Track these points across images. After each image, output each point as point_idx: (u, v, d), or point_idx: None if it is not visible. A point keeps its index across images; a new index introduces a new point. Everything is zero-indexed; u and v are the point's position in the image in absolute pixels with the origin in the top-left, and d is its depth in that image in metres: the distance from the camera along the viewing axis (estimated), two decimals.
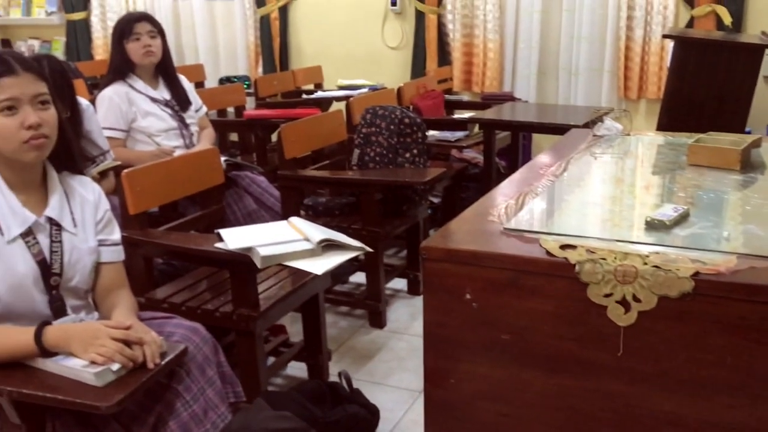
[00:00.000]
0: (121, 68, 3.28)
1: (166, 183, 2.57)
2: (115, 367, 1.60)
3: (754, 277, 1.24)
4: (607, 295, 1.31)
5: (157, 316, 1.94)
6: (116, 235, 1.95)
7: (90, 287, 1.88)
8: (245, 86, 5.11)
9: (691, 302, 1.26)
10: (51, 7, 6.32)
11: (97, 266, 1.89)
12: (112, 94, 3.23)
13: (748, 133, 3.32)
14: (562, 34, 4.96)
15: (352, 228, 3.09)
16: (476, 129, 4.29)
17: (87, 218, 1.87)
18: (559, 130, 3.26)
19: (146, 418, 1.72)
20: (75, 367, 1.61)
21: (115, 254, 1.93)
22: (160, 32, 3.32)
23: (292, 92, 5.14)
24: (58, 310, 1.78)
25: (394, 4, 5.32)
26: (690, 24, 4.60)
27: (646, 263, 1.29)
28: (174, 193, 2.66)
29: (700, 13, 4.53)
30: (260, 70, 5.77)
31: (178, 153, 3.17)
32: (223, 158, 2.92)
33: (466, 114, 4.61)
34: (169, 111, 3.32)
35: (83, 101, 2.83)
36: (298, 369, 2.76)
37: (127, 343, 1.65)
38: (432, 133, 4.13)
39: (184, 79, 3.49)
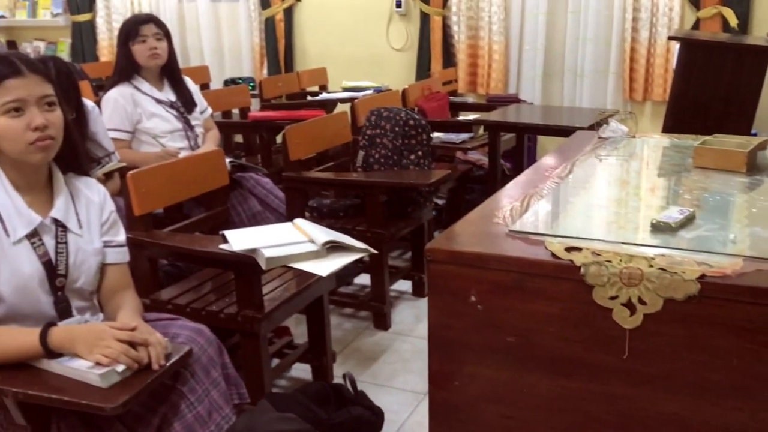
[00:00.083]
0: (126, 70, 3.29)
1: (171, 184, 2.57)
2: (120, 368, 1.60)
3: (761, 280, 1.24)
4: (613, 298, 1.30)
5: (162, 318, 1.94)
6: (121, 236, 1.95)
7: (95, 288, 1.89)
8: (250, 88, 5.11)
9: (697, 305, 1.25)
10: (56, 9, 6.34)
11: (103, 267, 1.89)
12: (117, 95, 3.24)
13: (754, 135, 3.31)
14: (567, 36, 4.95)
15: (356, 230, 3.09)
16: (481, 131, 4.29)
17: (92, 219, 1.87)
18: (565, 132, 3.25)
19: (151, 419, 1.72)
20: (80, 368, 1.61)
21: (120, 255, 1.94)
22: (166, 34, 3.33)
23: (297, 94, 5.15)
24: (64, 311, 1.78)
25: (399, 5, 5.32)
26: (696, 26, 4.59)
27: (651, 266, 1.29)
28: (179, 194, 2.66)
29: (706, 14, 4.52)
30: (265, 71, 5.78)
31: (183, 154, 3.17)
32: (227, 160, 2.93)
33: (471, 116, 4.60)
34: (174, 112, 3.33)
35: (89, 103, 2.84)
36: (302, 371, 2.76)
37: (132, 344, 1.65)
38: (437, 134, 4.13)
39: (189, 81, 3.49)
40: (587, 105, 4.84)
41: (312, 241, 2.16)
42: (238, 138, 4.79)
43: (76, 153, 1.89)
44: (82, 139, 2.55)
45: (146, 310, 1.99)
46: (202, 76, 5.30)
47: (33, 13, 6.45)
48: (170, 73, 3.38)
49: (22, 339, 1.66)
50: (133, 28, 3.28)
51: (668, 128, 3.45)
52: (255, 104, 4.92)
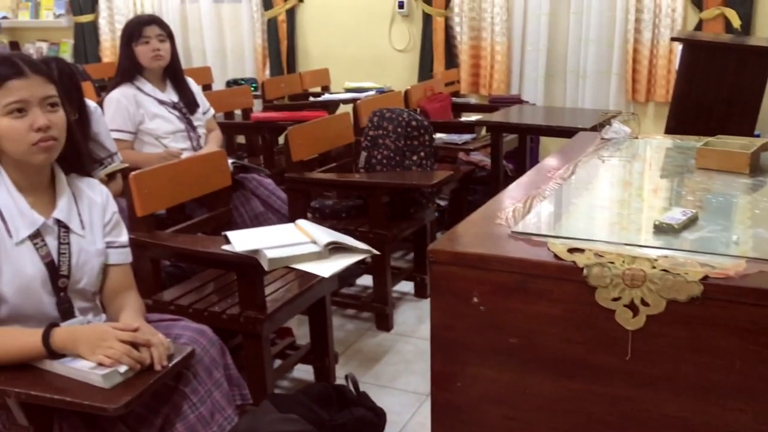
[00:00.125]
0: (129, 71, 3.30)
1: (173, 185, 2.57)
2: (123, 369, 1.60)
3: (764, 281, 1.23)
4: (616, 299, 1.30)
5: (165, 318, 1.94)
6: (124, 237, 1.95)
7: (98, 289, 1.89)
8: (252, 89, 5.12)
9: (699, 306, 1.25)
10: (59, 10, 6.35)
11: (105, 268, 1.89)
12: (120, 96, 3.24)
13: (757, 136, 3.31)
14: (569, 37, 4.95)
15: (359, 231, 3.09)
16: (483, 132, 4.29)
17: (95, 220, 1.87)
18: (567, 133, 3.25)
19: (153, 420, 1.72)
20: (82, 368, 1.61)
21: (123, 256, 1.94)
22: (169, 36, 3.33)
23: (300, 95, 5.15)
24: (66, 312, 1.78)
25: (401, 6, 5.32)
26: (698, 27, 4.59)
27: (654, 267, 1.28)
28: (181, 195, 2.66)
29: (709, 15, 4.52)
30: (267, 72, 5.78)
31: (185, 155, 3.17)
32: (230, 161, 2.93)
33: (474, 117, 4.60)
34: (176, 113, 3.33)
35: (91, 103, 2.84)
36: (304, 372, 2.76)
37: (135, 345, 1.65)
38: (439, 135, 4.13)
39: (191, 82, 3.50)
40: (590, 106, 4.84)
41: (314, 242, 2.16)
42: (241, 139, 4.79)
43: (78, 154, 1.89)
44: (84, 140, 2.55)
45: (148, 310, 1.99)
46: (204, 76, 5.31)
47: (36, 14, 6.46)
48: (173, 74, 3.39)
49: (24, 340, 1.66)
50: (136, 29, 3.28)
51: (671, 129, 3.45)
52: (257, 105, 4.92)
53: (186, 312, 2.31)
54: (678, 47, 4.25)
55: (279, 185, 3.27)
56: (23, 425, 1.64)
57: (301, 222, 2.35)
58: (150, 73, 3.32)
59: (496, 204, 1.73)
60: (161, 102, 3.31)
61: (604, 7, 4.78)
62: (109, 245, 1.90)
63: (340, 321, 3.25)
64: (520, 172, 3.89)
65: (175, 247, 2.41)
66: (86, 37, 6.26)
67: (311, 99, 4.98)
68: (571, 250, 1.36)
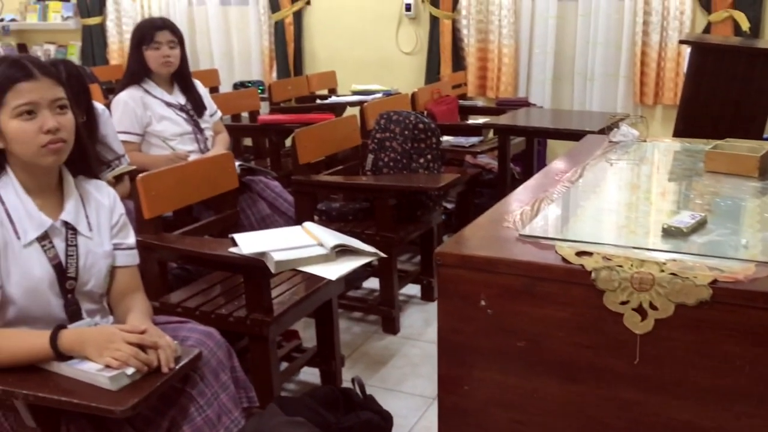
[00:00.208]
0: (137, 73, 3.30)
1: (180, 187, 2.58)
2: (130, 371, 1.61)
3: None
4: (624, 303, 1.30)
5: (172, 321, 1.94)
6: (131, 239, 1.96)
7: (105, 291, 1.89)
8: (259, 91, 5.12)
9: (708, 310, 1.24)
10: (67, 12, 6.37)
11: (112, 270, 1.89)
12: (128, 98, 3.25)
13: (766, 139, 3.29)
14: (577, 40, 4.94)
15: (365, 233, 3.09)
16: (491, 134, 4.28)
17: (102, 222, 1.88)
18: (575, 136, 3.25)
19: (160, 422, 1.72)
20: (90, 370, 1.61)
21: (130, 258, 1.94)
22: (180, 41, 3.33)
23: (306, 97, 5.15)
24: (74, 313, 1.79)
25: (408, 9, 5.33)
26: (707, 29, 4.57)
27: (663, 270, 1.28)
28: (188, 197, 2.67)
29: (717, 18, 4.50)
30: (274, 75, 5.79)
31: (192, 157, 3.18)
32: (237, 163, 2.93)
33: (481, 119, 4.59)
34: (183, 115, 3.34)
35: (99, 106, 2.84)
36: (311, 374, 2.76)
37: (142, 347, 1.65)
38: (446, 138, 4.13)
39: (199, 84, 3.50)
40: (597, 109, 4.83)
41: (321, 245, 2.16)
42: (248, 141, 4.80)
43: (86, 156, 1.89)
44: (92, 142, 2.56)
45: (156, 313, 1.99)
46: (211, 79, 5.31)
47: (44, 16, 6.48)
48: (181, 76, 3.39)
49: (32, 341, 1.66)
50: (148, 33, 3.26)
51: (679, 132, 3.43)
52: (264, 107, 4.93)
53: (193, 314, 2.31)
54: (686, 50, 4.23)
55: (286, 188, 3.27)
56: (31, 427, 1.64)
57: (307, 224, 2.35)
58: (158, 76, 3.32)
59: (504, 207, 1.72)
60: (169, 104, 3.32)
61: (611, 9, 4.77)
62: (116, 247, 1.90)
63: (346, 324, 3.25)
64: (527, 175, 3.88)
65: (182, 249, 2.41)
66: (94, 40, 6.28)
67: (318, 101, 4.98)
68: (579, 254, 1.36)
